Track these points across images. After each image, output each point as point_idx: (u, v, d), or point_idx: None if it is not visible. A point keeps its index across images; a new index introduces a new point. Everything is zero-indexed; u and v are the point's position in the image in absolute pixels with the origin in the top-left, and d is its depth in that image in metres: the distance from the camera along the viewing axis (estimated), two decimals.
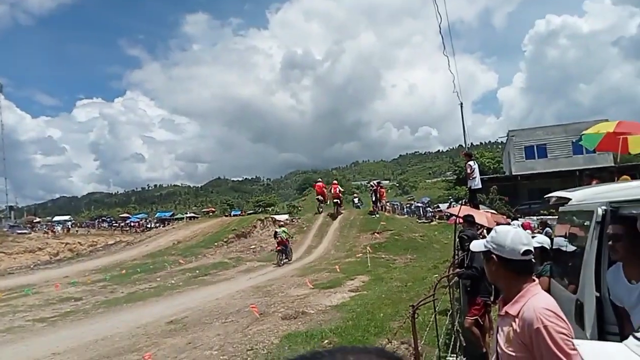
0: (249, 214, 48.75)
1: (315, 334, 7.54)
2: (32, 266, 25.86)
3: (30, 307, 12.86)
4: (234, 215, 47.45)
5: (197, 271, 18.37)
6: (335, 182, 32.61)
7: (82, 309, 12.24)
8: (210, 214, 60.21)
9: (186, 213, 70.35)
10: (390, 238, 21.45)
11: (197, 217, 53.03)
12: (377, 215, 26.26)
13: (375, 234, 22.32)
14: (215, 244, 25.09)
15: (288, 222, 34.55)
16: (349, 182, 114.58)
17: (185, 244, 26.10)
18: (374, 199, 28.84)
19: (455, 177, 54.05)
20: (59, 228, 48.10)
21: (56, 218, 66.36)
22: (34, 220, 55.67)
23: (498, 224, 10.03)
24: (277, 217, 37.51)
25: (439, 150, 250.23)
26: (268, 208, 61.15)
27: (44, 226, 50.20)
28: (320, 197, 30.96)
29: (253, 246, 24.56)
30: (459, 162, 58.38)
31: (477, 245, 2.33)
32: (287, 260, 19.46)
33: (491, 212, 13.35)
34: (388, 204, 35.99)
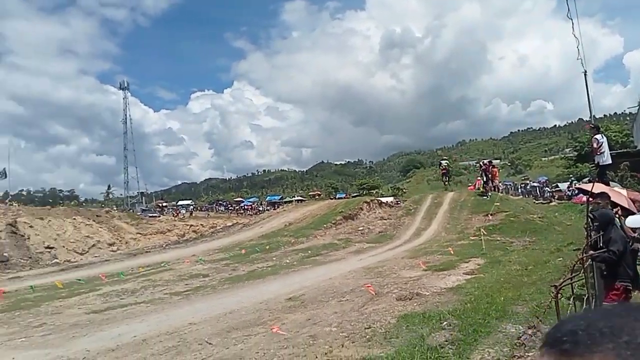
0: (353, 196, 49.19)
1: (432, 315, 7.45)
2: (164, 246, 28.78)
3: (166, 282, 14.34)
4: (339, 198, 48.23)
5: (309, 251, 19.07)
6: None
7: (210, 285, 13.36)
8: (317, 197, 61.79)
9: (294, 196, 73.24)
10: (505, 220, 20.37)
11: (305, 200, 54.84)
12: (490, 196, 25.04)
13: (489, 215, 21.31)
14: (324, 225, 25.77)
15: (393, 204, 34.47)
16: (455, 162, 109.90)
17: (296, 226, 27.15)
18: (485, 179, 27.54)
19: (576, 153, 49.11)
20: (183, 211, 52.94)
21: (180, 202, 72.96)
22: (162, 205, 62.10)
23: (635, 201, 9.04)
24: (383, 199, 37.49)
25: (555, 125, 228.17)
26: (372, 190, 61.09)
27: (170, 210, 55.58)
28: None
29: (361, 228, 24.86)
30: (579, 137, 52.96)
31: (636, 221, 2.13)
32: (448, 183, 25.68)
33: (627, 190, 12.02)
34: (500, 184, 34.13)
